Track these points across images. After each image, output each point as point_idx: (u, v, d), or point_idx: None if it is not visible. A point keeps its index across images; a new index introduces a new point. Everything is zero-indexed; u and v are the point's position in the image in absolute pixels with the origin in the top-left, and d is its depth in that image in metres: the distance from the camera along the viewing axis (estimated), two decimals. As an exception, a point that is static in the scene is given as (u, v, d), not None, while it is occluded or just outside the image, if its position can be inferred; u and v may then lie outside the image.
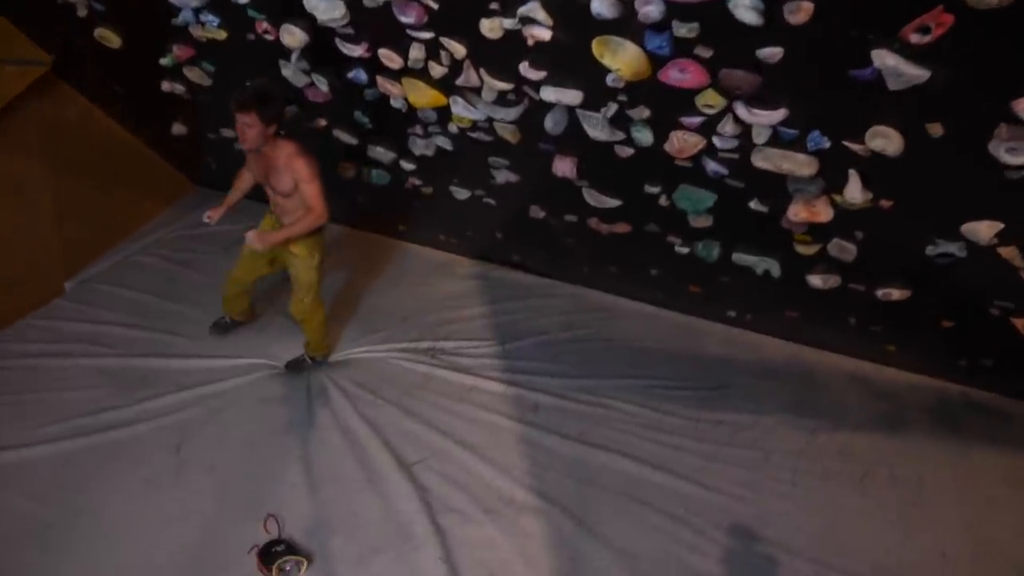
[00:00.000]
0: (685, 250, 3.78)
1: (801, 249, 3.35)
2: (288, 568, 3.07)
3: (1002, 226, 2.69)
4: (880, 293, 3.42)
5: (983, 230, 2.73)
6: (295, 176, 3.34)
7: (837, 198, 2.89)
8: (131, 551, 3.13)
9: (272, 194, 3.49)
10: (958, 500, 3.45)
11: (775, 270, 3.57)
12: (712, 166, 2.99)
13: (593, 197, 3.60)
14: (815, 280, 3.50)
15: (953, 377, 3.99)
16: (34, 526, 3.20)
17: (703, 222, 3.44)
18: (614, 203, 3.58)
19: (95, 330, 4.30)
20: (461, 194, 4.11)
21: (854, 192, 2.78)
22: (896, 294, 3.38)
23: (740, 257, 3.61)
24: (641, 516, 3.36)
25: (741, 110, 2.59)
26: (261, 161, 3.38)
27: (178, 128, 4.61)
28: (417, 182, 4.19)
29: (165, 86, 4.07)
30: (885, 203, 2.83)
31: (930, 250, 2.98)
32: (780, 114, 2.57)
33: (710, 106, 2.62)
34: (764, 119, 2.58)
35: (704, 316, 4.57)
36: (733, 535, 3.30)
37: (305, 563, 3.10)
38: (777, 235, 3.30)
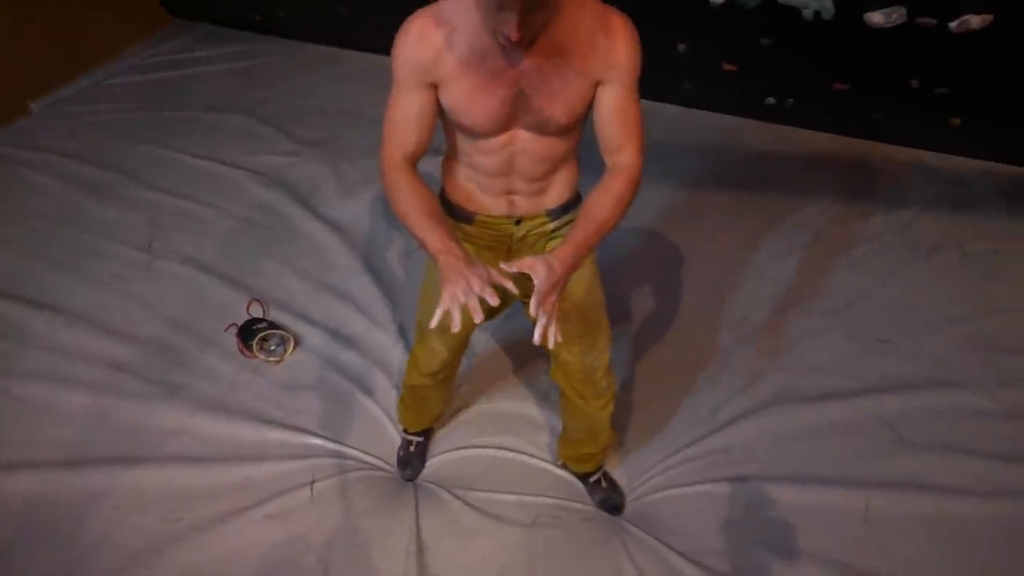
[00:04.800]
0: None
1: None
2: (273, 347, 2.68)
3: None
4: (955, 24, 2.89)
5: None
6: (614, 74, 1.43)
7: None
8: (107, 336, 2.78)
9: (479, 152, 1.56)
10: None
11: (827, 9, 3.04)
12: None
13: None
14: (875, 17, 2.98)
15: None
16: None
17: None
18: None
19: (64, 147, 3.86)
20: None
21: None
22: (976, 21, 2.84)
23: (786, -4, 3.08)
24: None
25: None
26: (504, 74, 1.41)
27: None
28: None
29: None
30: None
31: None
32: None
33: None
34: None
35: (737, 111, 4.04)
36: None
37: (292, 341, 2.70)
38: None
